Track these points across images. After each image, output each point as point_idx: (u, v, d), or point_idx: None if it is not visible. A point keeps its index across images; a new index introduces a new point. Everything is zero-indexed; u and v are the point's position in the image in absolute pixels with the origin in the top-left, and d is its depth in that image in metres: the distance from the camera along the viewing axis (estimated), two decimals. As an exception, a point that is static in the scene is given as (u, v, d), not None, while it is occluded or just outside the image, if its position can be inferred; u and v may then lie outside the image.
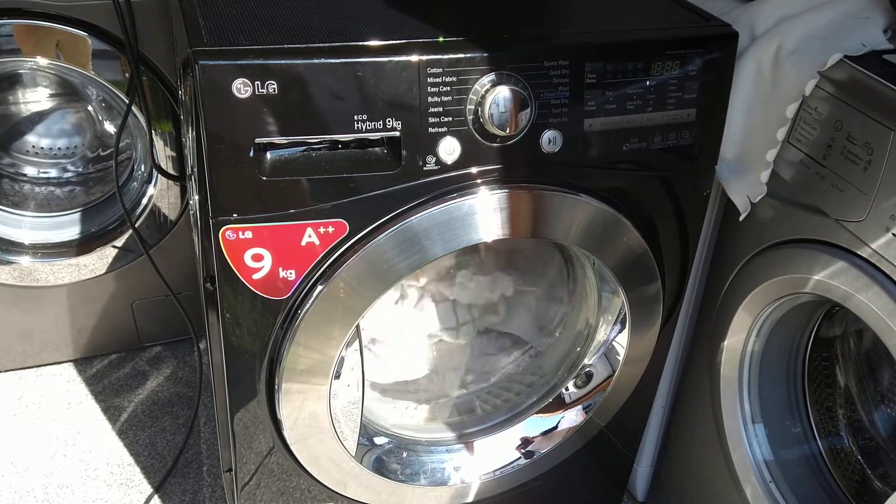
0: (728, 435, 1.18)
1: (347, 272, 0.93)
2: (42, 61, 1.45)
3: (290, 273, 0.93)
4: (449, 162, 0.91)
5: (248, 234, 0.89)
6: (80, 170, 1.75)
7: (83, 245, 1.62)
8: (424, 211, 0.92)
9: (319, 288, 0.93)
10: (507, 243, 1.20)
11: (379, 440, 1.15)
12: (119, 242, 1.63)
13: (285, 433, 1.04)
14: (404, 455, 1.16)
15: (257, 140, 0.84)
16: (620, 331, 1.14)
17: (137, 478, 1.53)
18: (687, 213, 1.09)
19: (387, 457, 1.14)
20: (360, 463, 1.09)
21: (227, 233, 0.88)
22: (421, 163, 0.90)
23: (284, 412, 1.01)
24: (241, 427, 1.05)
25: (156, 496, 1.50)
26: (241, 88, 0.81)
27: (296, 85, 0.83)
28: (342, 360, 1.00)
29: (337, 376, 1.01)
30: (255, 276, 0.92)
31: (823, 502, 1.13)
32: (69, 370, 1.76)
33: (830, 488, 1.14)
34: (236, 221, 0.88)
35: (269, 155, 0.86)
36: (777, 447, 1.16)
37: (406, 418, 1.23)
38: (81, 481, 1.52)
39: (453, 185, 0.93)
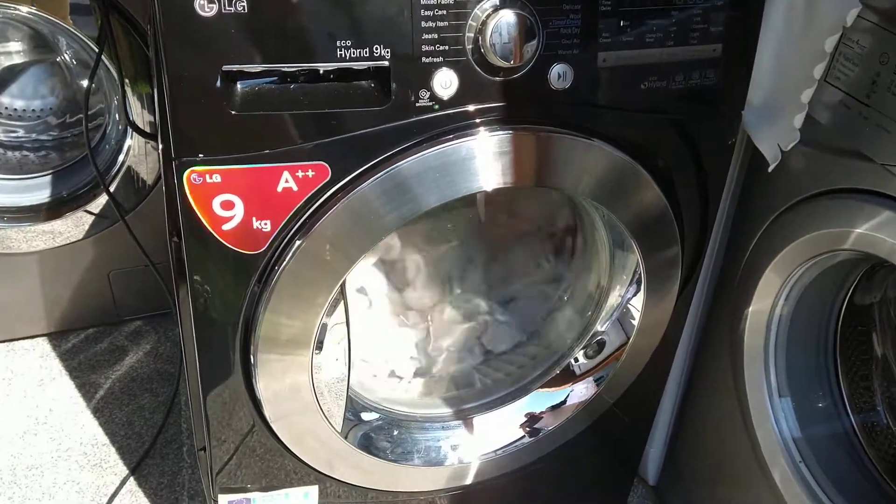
0: (752, 411, 1.08)
1: (330, 223, 0.82)
2: (22, 8, 1.34)
3: (265, 224, 0.82)
4: (445, 97, 0.80)
5: (217, 178, 0.78)
6: (55, 133, 1.64)
7: (52, 209, 1.52)
8: (417, 154, 0.81)
9: (298, 242, 0.83)
10: (509, 195, 1.09)
11: (367, 416, 1.05)
12: (93, 207, 1.53)
13: (264, 410, 0.94)
14: (395, 433, 1.05)
15: (225, 68, 0.73)
16: (635, 293, 1.03)
17: (112, 458, 1.43)
18: (709, 163, 0.99)
19: (375, 434, 1.04)
20: (346, 440, 0.98)
21: (193, 176, 0.77)
22: (413, 98, 0.79)
23: (262, 385, 0.91)
24: (217, 403, 0.95)
25: (131, 478, 1.40)
26: (205, 5, 0.70)
27: (268, 2, 0.72)
28: (325, 326, 0.89)
29: (319, 345, 0.90)
30: (226, 227, 0.81)
31: (858, 483, 1.03)
32: (43, 345, 1.66)
33: (865, 468, 1.04)
34: (203, 163, 0.77)
35: (238, 86, 0.75)
36: (806, 424, 1.05)
37: (399, 392, 1.13)
38: (52, 462, 1.42)
39: (450, 124, 0.82)
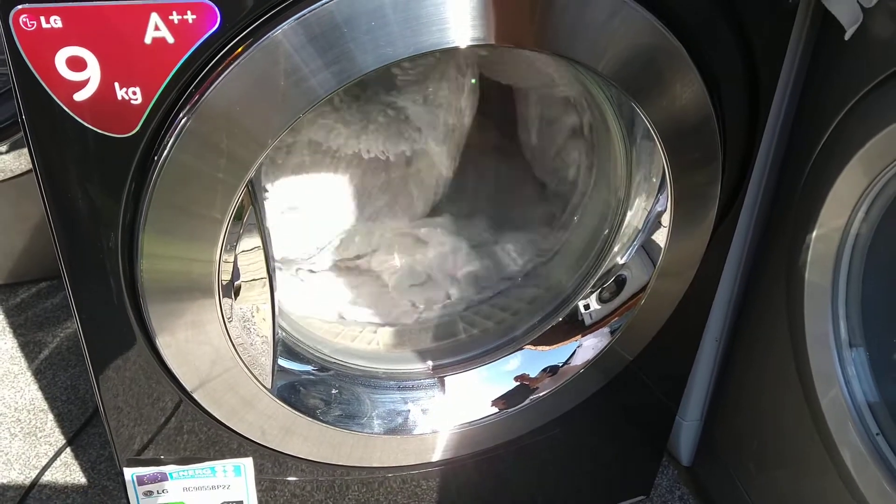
0: (814, 369, 0.83)
1: (225, 91, 0.59)
2: None
3: (134, 93, 0.59)
4: None
5: (57, 22, 0.55)
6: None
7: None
8: (344, -11, 0.58)
9: (183, 120, 0.60)
10: (494, 72, 0.84)
11: (291, 365, 0.81)
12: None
13: (164, 357, 0.72)
14: (333, 390, 0.82)
15: None
16: (662, 210, 0.78)
17: (49, 426, 1.24)
18: (764, 35, 0.74)
19: (305, 388, 0.81)
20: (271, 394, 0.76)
21: (22, 18, 0.55)
22: None
23: (156, 326, 0.69)
24: (106, 348, 0.74)
25: (68, 449, 1.20)
26: None
27: None
28: (232, 244, 0.66)
29: (228, 281, 0.67)
30: (79, 97, 0.58)
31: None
32: (-12, 298, 1.48)
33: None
34: (33, -2, 0.54)
35: None
36: (886, 382, 0.80)
37: (361, 343, 0.89)
38: (-20, 429, 1.23)
39: (390, -55, 0.58)
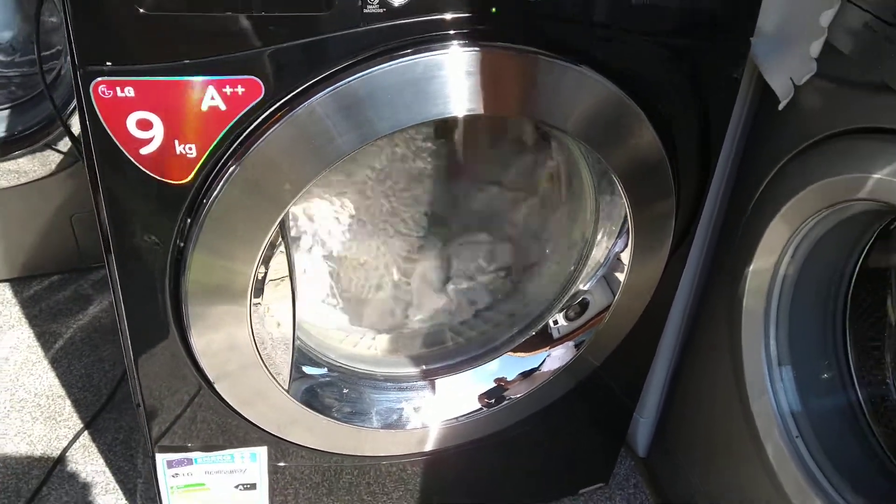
0: (748, 380, 0.97)
1: (266, 148, 0.72)
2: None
3: (190, 148, 0.71)
4: (397, 3, 0.68)
5: (130, 92, 0.67)
6: (25, 69, 1.54)
7: (7, 146, 1.42)
8: (367, 70, 0.70)
9: (231, 169, 0.72)
10: (482, 131, 0.97)
11: (311, 370, 0.95)
12: (60, 146, 1.43)
13: (200, 362, 0.84)
14: (345, 391, 0.96)
15: (133, -44, 0.62)
16: (622, 248, 0.92)
17: (67, 411, 1.35)
18: (712, 100, 0.87)
19: (321, 390, 0.94)
20: (291, 395, 0.89)
21: (101, 88, 0.67)
22: (360, 3, 0.68)
23: (196, 337, 0.81)
24: (150, 352, 0.86)
25: (86, 432, 1.32)
26: None
27: None
28: (266, 268, 0.79)
29: (259, 290, 0.80)
30: (144, 151, 0.71)
31: (860, 462, 0.93)
32: (4, 290, 1.58)
33: (869, 446, 0.94)
34: (112, 73, 0.66)
35: (150, -22, 0.64)
36: (807, 395, 0.95)
37: (361, 349, 1.03)
38: (4, 413, 1.34)
39: (405, 36, 0.71)
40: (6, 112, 1.45)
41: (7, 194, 1.48)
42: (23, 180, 1.47)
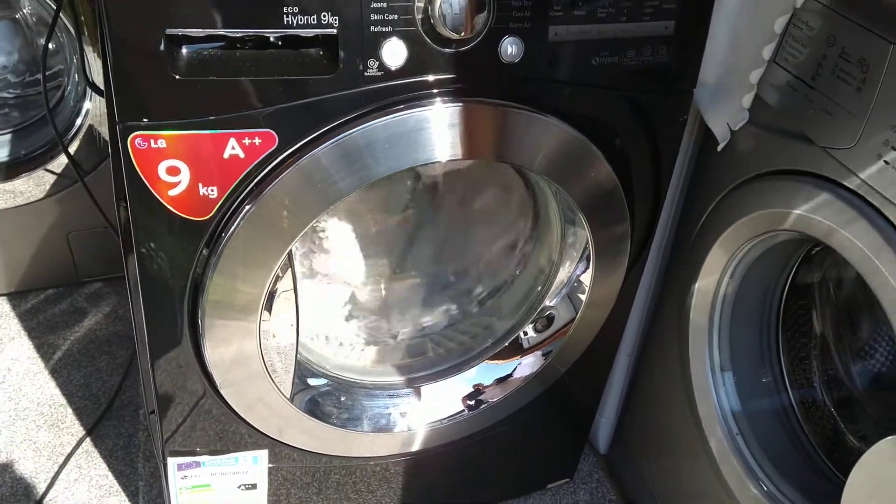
0: (695, 384, 1.10)
1: (278, 190, 0.82)
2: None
3: (212, 190, 0.82)
4: (393, 67, 0.80)
5: (162, 143, 0.78)
6: (18, 91, 1.62)
7: (11, 169, 1.50)
8: (366, 123, 0.82)
9: (247, 208, 0.83)
10: (463, 171, 1.09)
11: (314, 381, 1.06)
12: (54, 167, 1.51)
13: (213, 375, 0.94)
14: (342, 398, 1.07)
15: (169, 31, 0.73)
16: (584, 270, 1.05)
17: (69, 419, 1.44)
18: (661, 141, 1.00)
19: (322, 399, 1.05)
20: (294, 405, 1.00)
21: (137, 140, 0.77)
22: (361, 67, 0.79)
23: (210, 351, 0.92)
24: (166, 367, 0.95)
25: (88, 439, 1.40)
26: (148, -33, 0.69)
27: (213, -34, 0.71)
28: (273, 292, 0.90)
29: (268, 310, 0.91)
30: (172, 193, 0.81)
31: (792, 457, 1.06)
32: (2, 304, 1.66)
33: (800, 442, 1.07)
34: (147, 128, 0.77)
35: (183, 50, 0.75)
36: (746, 398, 1.08)
37: (351, 360, 1.14)
38: (9, 421, 1.42)
39: (399, 95, 0.82)
40: (8, 136, 1.53)
41: (4, 214, 1.55)
42: (19, 201, 1.55)
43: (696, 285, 1.06)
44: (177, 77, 0.74)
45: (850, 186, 0.82)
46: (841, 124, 0.82)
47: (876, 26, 0.78)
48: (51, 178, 1.54)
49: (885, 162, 0.77)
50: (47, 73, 1.52)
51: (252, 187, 0.83)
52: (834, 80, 0.83)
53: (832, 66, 0.83)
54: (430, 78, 0.83)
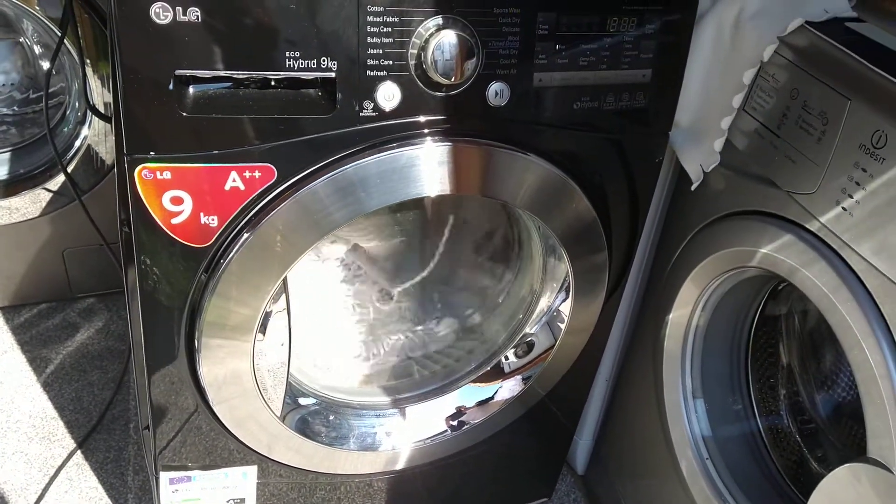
0: (668, 409, 1.16)
1: (275, 220, 0.87)
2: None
3: (213, 219, 0.87)
4: (387, 109, 0.85)
5: (167, 175, 0.83)
6: (16, 109, 1.66)
7: (10, 187, 1.54)
8: (360, 160, 0.87)
9: (245, 236, 0.88)
10: (450, 204, 1.15)
11: (304, 400, 1.10)
12: (51, 186, 1.55)
13: (207, 393, 0.98)
14: (331, 417, 1.11)
15: (178, 72, 0.78)
16: (564, 299, 1.10)
17: (60, 432, 1.47)
18: (638, 180, 1.05)
19: (312, 418, 1.10)
20: (284, 423, 1.04)
21: (144, 172, 0.82)
22: (357, 108, 0.85)
23: (205, 370, 0.96)
24: (161, 384, 1.00)
25: (79, 451, 1.44)
26: (160, 13, 0.74)
27: (221, 13, 0.76)
28: (267, 315, 0.95)
29: (262, 332, 0.95)
30: (174, 221, 0.86)
31: (759, 481, 1.11)
32: (-4, 318, 1.69)
33: (767, 468, 1.13)
34: (154, 160, 0.81)
35: (191, 89, 0.80)
36: (716, 424, 1.13)
37: (339, 380, 1.18)
38: (1, 433, 1.45)
39: (392, 133, 0.88)
40: (7, 155, 1.56)
41: (1, 230, 1.59)
42: (16, 218, 1.58)
43: (670, 316, 1.12)
44: (184, 114, 0.79)
45: (812, 229, 0.88)
46: (803, 171, 0.88)
47: (835, 83, 0.84)
48: (47, 196, 1.58)
49: (843, 208, 0.83)
50: (52, 88, 1.57)
51: (251, 217, 0.87)
52: (797, 129, 0.89)
53: (796, 116, 0.89)
54: (422, 119, 0.88)
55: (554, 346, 1.14)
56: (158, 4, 0.74)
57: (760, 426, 1.15)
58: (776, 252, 0.91)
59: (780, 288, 1.07)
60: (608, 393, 1.37)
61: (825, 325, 0.89)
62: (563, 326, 1.12)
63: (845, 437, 1.09)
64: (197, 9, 0.75)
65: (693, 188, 1.05)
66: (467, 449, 1.23)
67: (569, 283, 1.07)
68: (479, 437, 1.23)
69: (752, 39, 0.93)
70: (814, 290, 0.87)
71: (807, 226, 0.88)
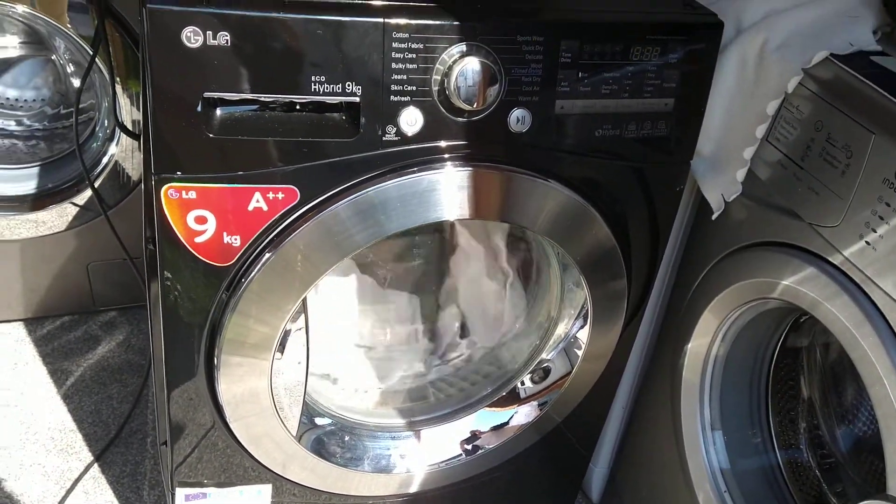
0: (685, 440, 1.15)
1: (297, 241, 0.88)
2: (18, 7, 1.39)
3: (236, 239, 0.88)
4: (410, 134, 0.86)
5: (192, 195, 0.84)
6: (46, 124, 1.69)
7: (38, 200, 1.56)
8: (381, 183, 0.88)
9: (267, 256, 0.89)
10: (469, 228, 1.15)
11: (320, 420, 1.11)
12: (78, 200, 1.58)
13: (224, 410, 0.99)
14: (346, 438, 1.11)
15: (206, 94, 0.79)
16: (582, 326, 1.10)
17: (78, 444, 1.48)
18: (659, 208, 1.05)
19: (327, 438, 1.10)
20: (299, 443, 1.04)
21: (170, 191, 0.83)
22: (380, 132, 0.85)
23: (223, 387, 0.96)
24: (180, 400, 1.00)
25: (96, 464, 1.45)
26: (192, 37, 0.76)
27: (250, 38, 0.78)
28: (286, 334, 0.95)
29: (280, 350, 0.96)
30: (198, 240, 0.87)
31: (777, 516, 1.10)
32: (19, 329, 1.71)
33: (786, 502, 1.11)
34: (180, 180, 0.83)
35: (218, 111, 0.81)
36: (735, 456, 1.12)
37: (355, 401, 1.18)
38: (20, 444, 1.46)
39: (413, 158, 0.88)
40: (36, 169, 1.60)
41: (28, 243, 1.62)
42: (43, 231, 1.61)
43: (689, 346, 1.11)
44: (210, 135, 0.81)
45: (835, 262, 0.87)
46: (827, 204, 0.87)
47: (860, 116, 0.84)
48: (74, 211, 1.61)
49: (867, 242, 0.82)
50: (82, 104, 1.60)
51: (273, 237, 0.88)
52: (821, 161, 0.89)
53: (820, 148, 0.89)
54: (443, 143, 0.89)
55: (571, 372, 1.13)
56: (190, 29, 0.75)
57: (780, 460, 1.13)
58: (798, 284, 0.90)
59: (801, 320, 1.06)
60: (625, 421, 1.36)
61: (847, 359, 0.88)
62: (580, 353, 1.11)
63: (865, 473, 1.07)
64: (227, 33, 0.77)
65: (714, 217, 1.05)
66: (481, 474, 1.23)
67: (587, 310, 1.07)
68: (494, 462, 1.22)
69: (776, 71, 0.93)
70: (836, 324, 0.86)
71: (830, 259, 0.87)
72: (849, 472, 1.09)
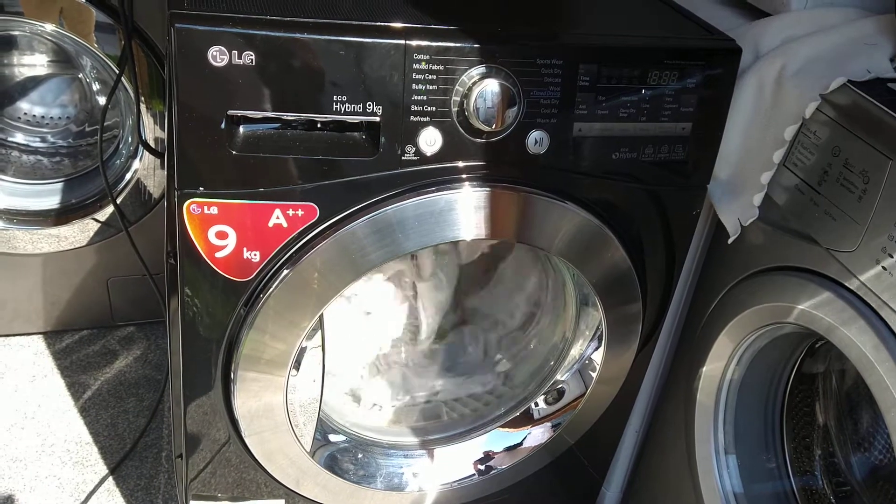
0: (699, 464, 1.14)
1: (315, 258, 0.89)
2: (47, 27, 1.42)
3: (255, 254, 0.89)
4: (429, 154, 0.88)
5: (214, 210, 0.85)
6: (71, 141, 1.72)
7: (60, 216, 1.59)
8: (400, 202, 0.89)
9: (285, 272, 0.90)
10: (485, 249, 1.16)
11: (334, 437, 1.11)
12: (99, 216, 1.60)
13: (240, 425, 1.00)
14: (360, 455, 1.12)
15: (230, 112, 0.81)
16: (596, 348, 1.10)
17: (94, 457, 1.49)
18: (675, 231, 1.06)
19: (341, 455, 1.10)
20: (313, 459, 1.05)
21: (192, 206, 0.85)
22: (399, 152, 0.87)
23: (239, 402, 0.97)
24: (196, 414, 1.01)
25: (110, 478, 1.45)
26: (217, 56, 0.78)
27: (274, 58, 0.79)
28: (303, 350, 0.96)
29: (296, 367, 0.97)
30: (218, 255, 0.88)
31: (791, 543, 1.09)
32: (38, 342, 1.73)
33: (800, 529, 1.10)
34: (202, 195, 0.84)
35: (241, 129, 0.83)
36: (748, 481, 1.11)
37: (369, 419, 1.19)
38: (36, 456, 1.48)
39: (431, 178, 0.90)
40: (60, 185, 1.62)
41: (49, 257, 1.64)
42: (64, 246, 1.63)
43: (704, 369, 1.11)
44: (233, 152, 0.82)
45: (851, 287, 0.87)
46: (843, 229, 0.88)
47: (877, 142, 0.84)
48: (95, 226, 1.63)
49: (883, 268, 0.82)
50: (107, 122, 1.62)
51: (291, 254, 0.90)
52: (838, 187, 0.89)
53: (837, 174, 0.89)
54: (461, 164, 0.90)
55: (584, 394, 1.13)
56: (216, 48, 0.77)
57: (794, 486, 1.12)
58: (814, 309, 0.90)
59: (817, 345, 1.05)
60: (638, 444, 1.36)
61: (863, 385, 0.87)
62: (594, 375, 1.11)
63: (881, 501, 1.06)
64: (251, 53, 0.78)
65: (730, 241, 1.05)
66: (493, 494, 1.22)
67: (602, 332, 1.07)
68: (506, 483, 1.22)
69: (794, 96, 0.94)
70: (852, 350, 0.86)
71: (846, 284, 0.87)
72: (864, 499, 1.08)
